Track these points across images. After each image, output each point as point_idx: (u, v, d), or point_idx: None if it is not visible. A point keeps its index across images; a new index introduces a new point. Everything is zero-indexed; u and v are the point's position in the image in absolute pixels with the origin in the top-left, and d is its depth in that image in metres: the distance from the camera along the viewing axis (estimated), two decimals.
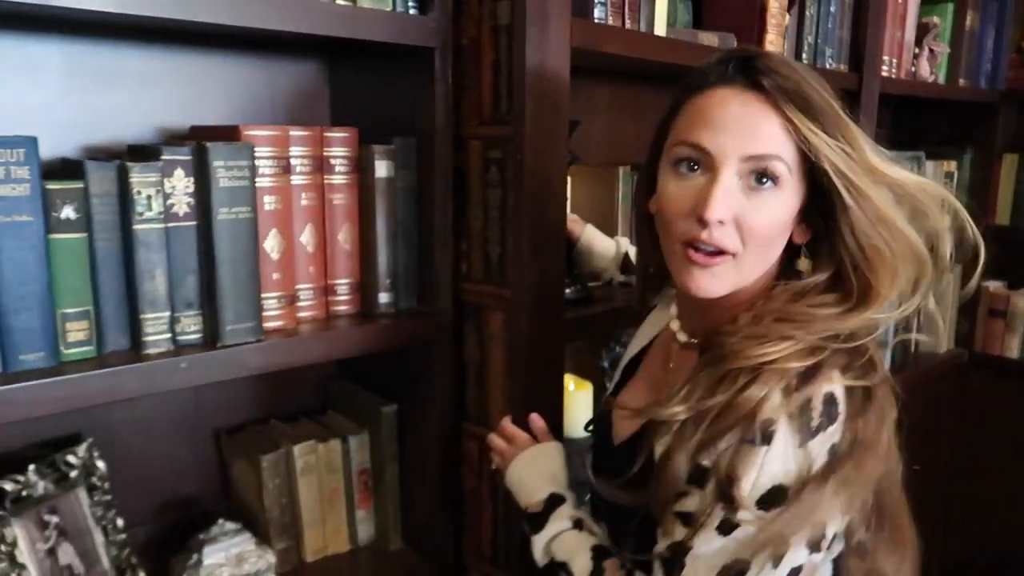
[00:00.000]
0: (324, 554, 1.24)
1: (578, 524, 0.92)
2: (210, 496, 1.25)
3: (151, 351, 0.91)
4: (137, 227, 0.88)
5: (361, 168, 1.09)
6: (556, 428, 1.09)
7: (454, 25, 1.08)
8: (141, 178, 0.87)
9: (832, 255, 0.80)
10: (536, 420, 1.04)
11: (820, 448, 0.73)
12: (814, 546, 0.75)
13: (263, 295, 0.98)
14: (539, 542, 0.93)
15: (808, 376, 0.74)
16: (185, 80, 1.13)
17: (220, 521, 1.14)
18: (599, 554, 0.88)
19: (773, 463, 0.72)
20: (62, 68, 1.03)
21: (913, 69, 2.03)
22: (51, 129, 0.99)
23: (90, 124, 1.06)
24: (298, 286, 1.05)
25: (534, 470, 0.98)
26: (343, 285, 1.11)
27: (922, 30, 2.06)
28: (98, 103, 1.06)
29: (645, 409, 0.83)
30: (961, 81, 2.20)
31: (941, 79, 2.14)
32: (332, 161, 1.07)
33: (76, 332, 0.87)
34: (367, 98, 1.22)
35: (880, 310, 0.78)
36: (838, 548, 0.82)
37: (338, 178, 1.08)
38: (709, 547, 0.74)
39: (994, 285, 2.43)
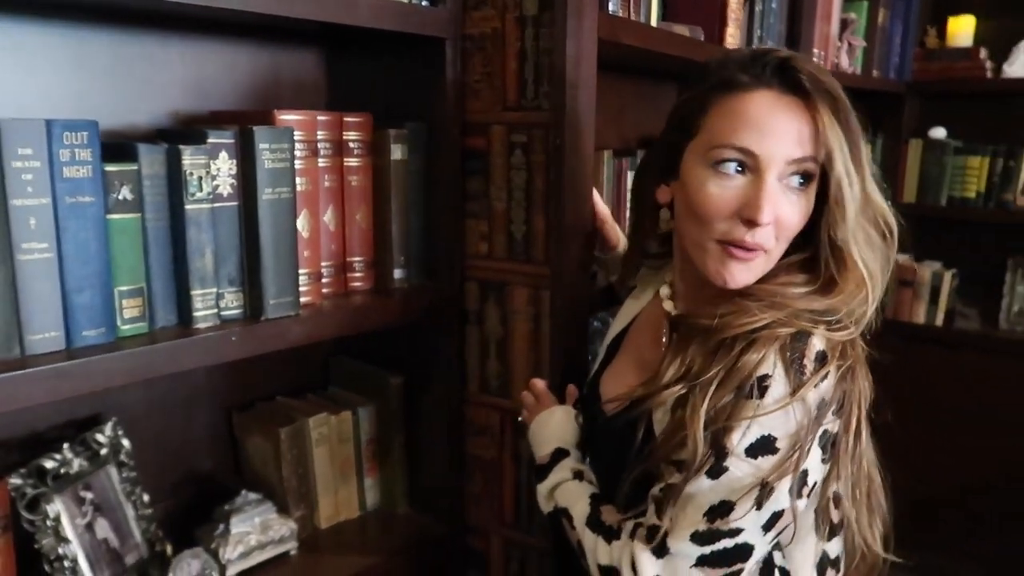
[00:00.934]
0: (337, 520, 1.30)
1: (578, 475, 1.00)
2: (223, 472, 1.29)
3: (200, 326, 0.95)
4: (189, 207, 0.92)
5: (376, 151, 1.16)
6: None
7: (473, 14, 1.15)
8: (192, 160, 0.91)
9: (814, 240, 0.87)
10: (571, 390, 1.12)
11: (811, 401, 0.81)
12: (796, 492, 0.81)
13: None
14: (543, 490, 1.02)
15: (800, 337, 0.82)
16: (192, 66, 1.16)
17: (243, 492, 1.18)
18: (596, 500, 0.96)
19: (766, 415, 0.80)
20: (75, 54, 1.04)
21: (836, 61, 2.22)
22: (66, 115, 1.01)
23: (103, 109, 1.08)
24: (322, 263, 1.11)
25: (547, 428, 1.07)
26: (359, 262, 1.17)
27: (842, 25, 2.25)
28: (110, 88, 1.08)
29: (643, 390, 0.90)
30: (874, 72, 2.42)
31: (858, 70, 2.35)
32: (351, 145, 1.13)
33: (131, 309, 0.90)
34: (368, 85, 1.28)
35: (843, 302, 0.84)
36: (816, 498, 0.87)
37: (355, 161, 1.14)
38: (698, 488, 0.81)
39: (902, 258, 2.69)
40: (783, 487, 0.80)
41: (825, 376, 0.81)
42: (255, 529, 1.16)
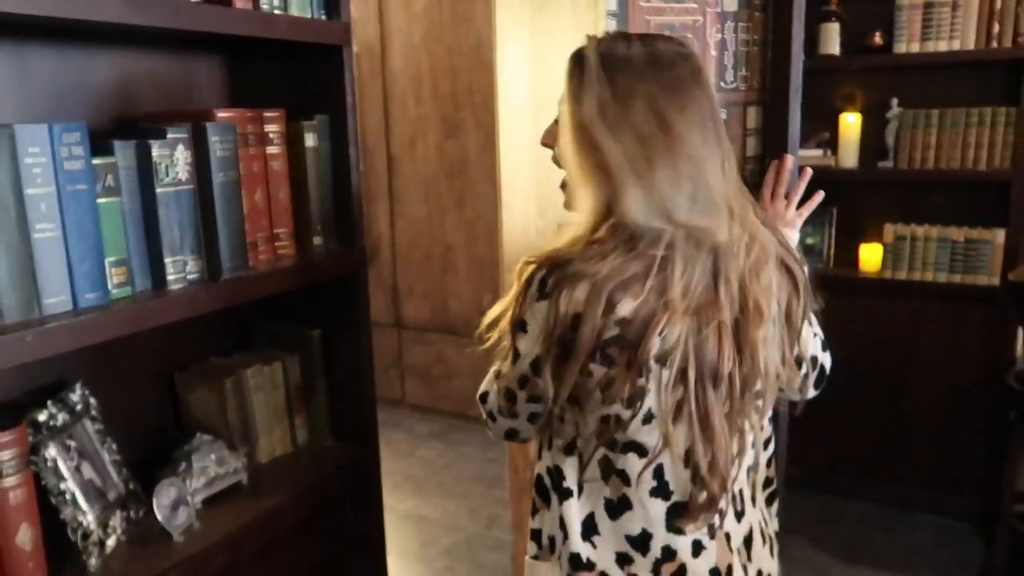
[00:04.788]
0: (274, 455, 1.53)
1: None
2: (166, 425, 1.48)
3: (173, 288, 1.16)
4: (159, 190, 1.13)
5: (291, 140, 1.39)
6: None
7: (673, 7, 1.42)
8: (159, 152, 1.13)
9: None
10: None
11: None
12: (521, 384, 0.99)
13: None
14: None
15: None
16: (119, 75, 1.34)
17: (198, 434, 1.40)
18: None
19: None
20: (18, 69, 1.20)
21: None
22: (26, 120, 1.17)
23: (48, 113, 1.24)
24: (258, 235, 1.34)
25: None
26: (284, 233, 1.41)
27: None
28: (52, 95, 1.25)
29: None
30: None
31: None
32: (270, 135, 1.36)
33: (118, 276, 1.11)
34: (267, 86, 1.51)
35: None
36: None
37: (275, 149, 1.37)
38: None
39: None
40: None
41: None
42: (212, 463, 1.38)
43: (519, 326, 0.96)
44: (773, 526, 1.15)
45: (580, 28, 1.14)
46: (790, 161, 1.37)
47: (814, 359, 1.11)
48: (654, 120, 0.92)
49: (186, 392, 1.48)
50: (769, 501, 1.14)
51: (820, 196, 1.35)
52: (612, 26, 1.37)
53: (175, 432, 1.49)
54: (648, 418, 0.93)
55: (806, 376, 1.10)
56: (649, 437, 0.95)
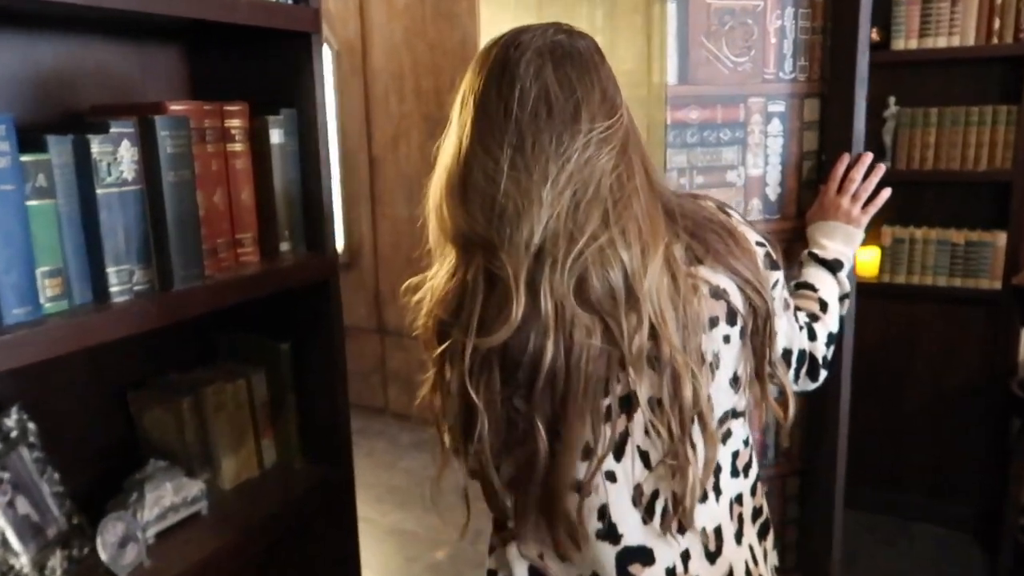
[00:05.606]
0: (239, 480, 1.40)
1: None
2: (120, 449, 1.35)
3: (117, 300, 1.04)
4: (100, 191, 1.00)
5: (255, 136, 1.27)
6: None
7: None
8: (100, 148, 1.00)
9: None
10: None
11: None
12: None
13: None
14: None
15: None
16: (66, 65, 1.21)
17: (152, 461, 1.27)
18: None
19: None
20: None
21: None
22: None
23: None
24: (217, 240, 1.21)
25: None
26: (247, 238, 1.28)
27: None
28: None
29: None
30: None
31: None
32: (232, 131, 1.23)
33: (52, 288, 0.98)
34: (230, 76, 1.38)
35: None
36: None
37: (237, 145, 1.25)
38: None
39: None
40: None
41: None
42: (168, 492, 1.25)
43: None
44: (768, 562, 1.03)
45: (620, 14, 1.02)
46: (869, 159, 1.31)
47: (802, 352, 1.09)
48: None
49: (140, 413, 1.35)
50: (762, 534, 1.02)
51: (887, 193, 1.30)
52: (672, 12, 1.25)
53: (129, 457, 1.36)
54: (587, 453, 0.85)
55: (797, 370, 1.09)
56: (584, 474, 0.86)
